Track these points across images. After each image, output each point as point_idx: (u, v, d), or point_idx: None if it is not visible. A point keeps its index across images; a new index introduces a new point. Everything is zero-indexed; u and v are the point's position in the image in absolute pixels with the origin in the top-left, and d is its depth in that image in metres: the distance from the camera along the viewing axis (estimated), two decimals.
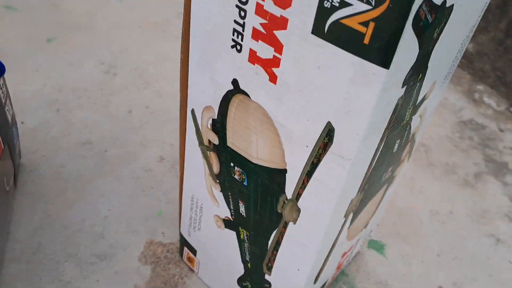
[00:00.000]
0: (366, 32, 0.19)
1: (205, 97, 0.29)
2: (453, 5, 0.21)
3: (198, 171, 0.34)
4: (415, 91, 0.25)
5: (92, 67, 0.63)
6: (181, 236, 0.41)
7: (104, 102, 0.58)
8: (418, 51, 0.21)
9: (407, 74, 0.22)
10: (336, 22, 0.20)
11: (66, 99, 0.57)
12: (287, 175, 0.27)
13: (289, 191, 0.28)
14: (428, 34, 0.21)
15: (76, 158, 0.50)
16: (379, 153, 0.26)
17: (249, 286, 0.37)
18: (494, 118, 0.68)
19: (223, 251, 0.37)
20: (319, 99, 0.23)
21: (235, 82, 0.26)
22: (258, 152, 0.28)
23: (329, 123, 0.23)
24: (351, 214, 0.31)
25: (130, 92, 0.60)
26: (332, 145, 0.24)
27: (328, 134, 0.24)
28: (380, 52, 0.19)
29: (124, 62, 0.65)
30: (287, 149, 0.26)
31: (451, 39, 0.25)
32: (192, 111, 0.31)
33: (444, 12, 0.21)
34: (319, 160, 0.25)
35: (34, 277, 0.40)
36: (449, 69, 0.29)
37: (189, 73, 0.29)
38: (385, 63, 0.19)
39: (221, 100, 0.28)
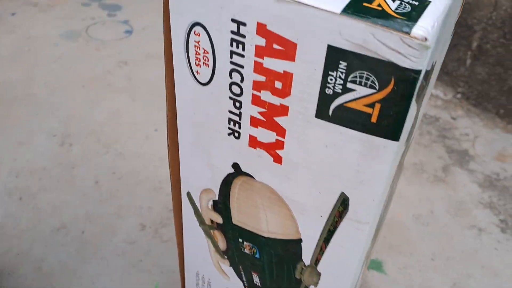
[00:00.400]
0: (372, 112, 0.20)
1: (202, 180, 0.28)
2: (436, 61, 0.22)
3: (201, 249, 0.33)
4: (412, 137, 0.26)
5: (44, 142, 0.60)
6: None
7: (67, 177, 0.55)
8: (416, 111, 0.22)
9: (409, 131, 0.23)
10: (340, 106, 0.20)
11: (26, 184, 0.54)
12: (302, 244, 0.27)
13: (307, 257, 0.28)
14: (424, 93, 0.22)
15: (54, 248, 0.47)
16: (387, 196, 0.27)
17: None
18: (444, 107, 0.71)
19: None
20: (329, 173, 0.23)
21: (236, 165, 0.26)
22: (268, 227, 0.27)
23: (343, 193, 0.23)
24: (366, 257, 0.31)
25: (91, 160, 0.58)
26: (348, 212, 0.24)
27: (343, 203, 0.24)
28: (389, 128, 0.20)
29: (76, 128, 0.62)
30: (300, 220, 0.26)
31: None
32: (188, 194, 0.30)
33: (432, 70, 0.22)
34: (335, 227, 0.25)
35: None
36: None
37: (180, 157, 0.28)
38: (395, 136, 0.20)
39: (222, 183, 0.27)
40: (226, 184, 0.27)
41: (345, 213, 0.24)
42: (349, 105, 0.20)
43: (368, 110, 0.19)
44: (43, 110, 0.65)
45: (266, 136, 0.23)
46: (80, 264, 0.46)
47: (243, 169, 0.26)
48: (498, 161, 0.62)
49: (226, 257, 0.31)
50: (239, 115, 0.23)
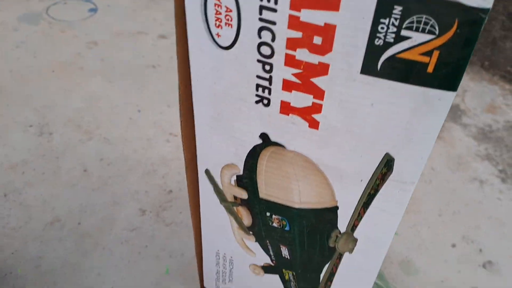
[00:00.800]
0: (429, 61, 0.18)
1: (223, 156, 0.26)
2: None
3: (221, 227, 0.31)
4: None
5: (21, 134, 0.56)
6: None
7: (53, 169, 0.52)
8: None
9: None
10: (392, 57, 0.18)
11: (9, 180, 0.50)
12: (338, 211, 0.26)
13: (342, 225, 0.26)
14: None
15: (50, 243, 0.44)
16: None
17: None
18: None
19: None
20: (374, 135, 0.21)
21: (264, 136, 0.24)
22: (301, 197, 0.26)
23: (387, 154, 0.22)
24: None
25: (75, 149, 0.54)
26: (392, 174, 0.22)
27: (387, 165, 0.22)
28: (447, 78, 0.18)
29: (54, 117, 0.58)
30: (337, 187, 0.24)
31: None
32: (207, 171, 0.28)
33: None
34: (376, 191, 0.24)
35: None
36: None
37: (197, 134, 0.26)
38: (453, 86, 0.18)
39: (248, 156, 0.25)
40: (253, 156, 0.25)
41: (388, 175, 0.23)
42: (402, 55, 0.18)
43: (424, 59, 0.18)
44: (14, 101, 0.60)
45: (301, 100, 0.21)
46: (81, 257, 0.43)
47: (273, 139, 0.24)
48: (488, 113, 0.62)
49: (251, 232, 0.30)
50: (269, 80, 0.21)
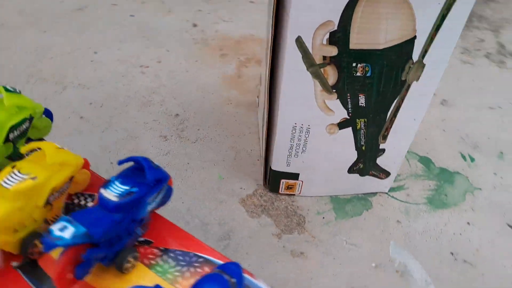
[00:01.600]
0: None
1: (318, 15, 0.29)
2: None
3: (303, 97, 0.34)
4: None
5: None
6: (274, 172, 0.41)
7: None
8: None
9: None
10: None
11: None
12: (416, 40, 0.30)
13: (416, 54, 0.31)
14: None
15: None
16: None
17: (361, 166, 0.41)
18: None
19: (334, 152, 0.39)
20: None
21: None
22: (387, 36, 0.30)
23: None
24: None
25: (58, 100, 0.51)
26: None
27: None
28: None
29: (12, 76, 0.53)
30: (418, 16, 0.29)
31: None
32: (299, 38, 0.30)
33: None
34: (448, 10, 0.29)
35: None
36: None
37: (286, 5, 0.28)
38: None
39: (345, 8, 0.28)
40: (350, 7, 0.28)
41: None
42: None
43: None
44: None
45: None
46: None
47: None
48: None
49: (334, 90, 0.33)
50: None
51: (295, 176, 0.42)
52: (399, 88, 0.34)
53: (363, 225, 0.44)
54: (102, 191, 0.22)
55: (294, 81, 0.33)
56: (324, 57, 0.32)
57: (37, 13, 0.62)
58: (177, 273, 0.25)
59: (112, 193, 0.23)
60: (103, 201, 0.22)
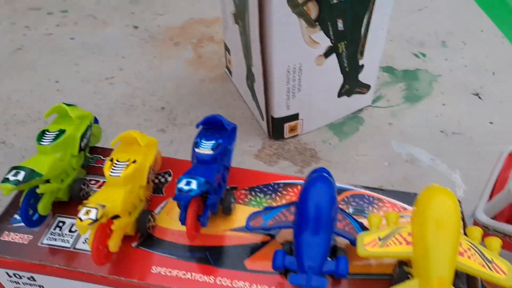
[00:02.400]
0: None
1: None
2: None
3: (293, 39, 0.39)
4: None
5: None
6: (277, 120, 0.46)
7: None
8: None
9: None
10: None
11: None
12: None
13: None
14: None
15: None
16: None
17: (347, 87, 0.47)
18: None
19: (324, 82, 0.44)
20: None
21: None
22: None
23: None
24: None
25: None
26: None
27: None
28: None
29: None
30: None
31: None
32: None
33: None
34: None
35: None
36: None
37: None
38: None
39: None
40: None
41: None
42: None
43: None
44: None
45: None
46: None
47: None
48: None
49: (317, 23, 0.38)
50: None
51: (295, 117, 0.46)
52: (367, 3, 0.40)
53: (363, 138, 0.50)
54: (197, 150, 0.26)
55: (283, 26, 0.37)
56: None
57: None
58: (270, 200, 0.29)
59: (205, 150, 0.26)
60: (201, 157, 0.26)
